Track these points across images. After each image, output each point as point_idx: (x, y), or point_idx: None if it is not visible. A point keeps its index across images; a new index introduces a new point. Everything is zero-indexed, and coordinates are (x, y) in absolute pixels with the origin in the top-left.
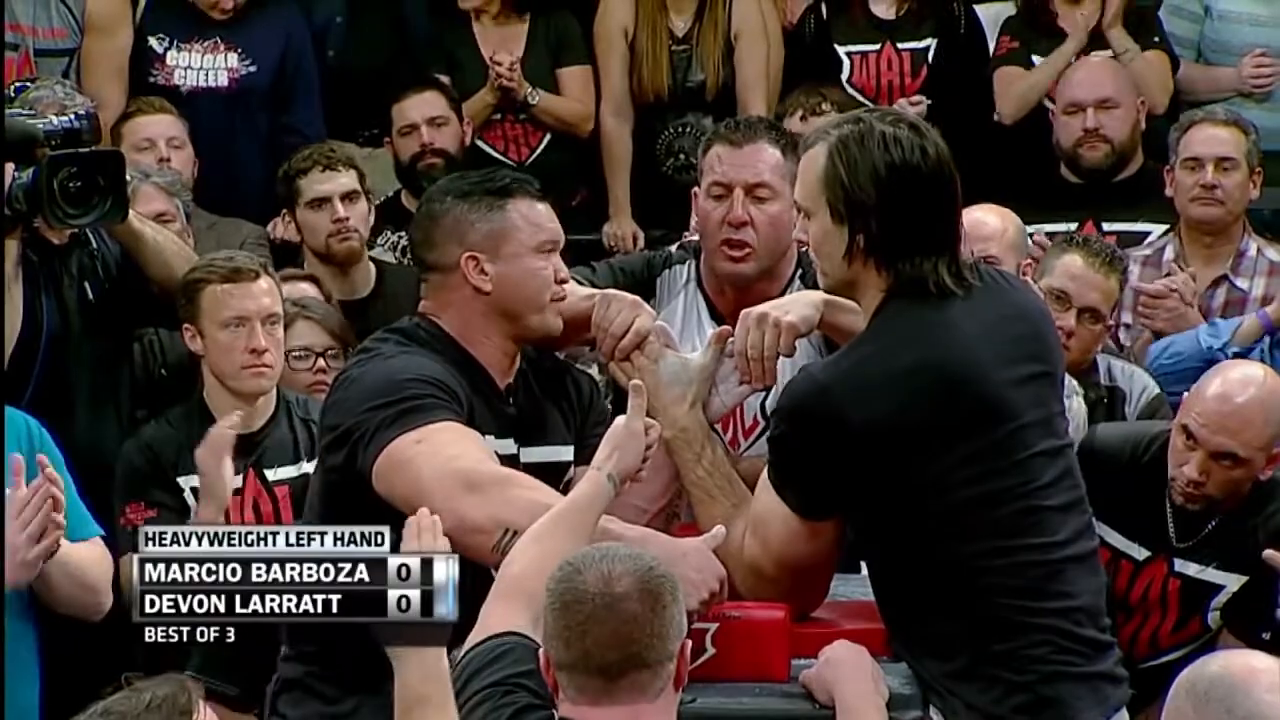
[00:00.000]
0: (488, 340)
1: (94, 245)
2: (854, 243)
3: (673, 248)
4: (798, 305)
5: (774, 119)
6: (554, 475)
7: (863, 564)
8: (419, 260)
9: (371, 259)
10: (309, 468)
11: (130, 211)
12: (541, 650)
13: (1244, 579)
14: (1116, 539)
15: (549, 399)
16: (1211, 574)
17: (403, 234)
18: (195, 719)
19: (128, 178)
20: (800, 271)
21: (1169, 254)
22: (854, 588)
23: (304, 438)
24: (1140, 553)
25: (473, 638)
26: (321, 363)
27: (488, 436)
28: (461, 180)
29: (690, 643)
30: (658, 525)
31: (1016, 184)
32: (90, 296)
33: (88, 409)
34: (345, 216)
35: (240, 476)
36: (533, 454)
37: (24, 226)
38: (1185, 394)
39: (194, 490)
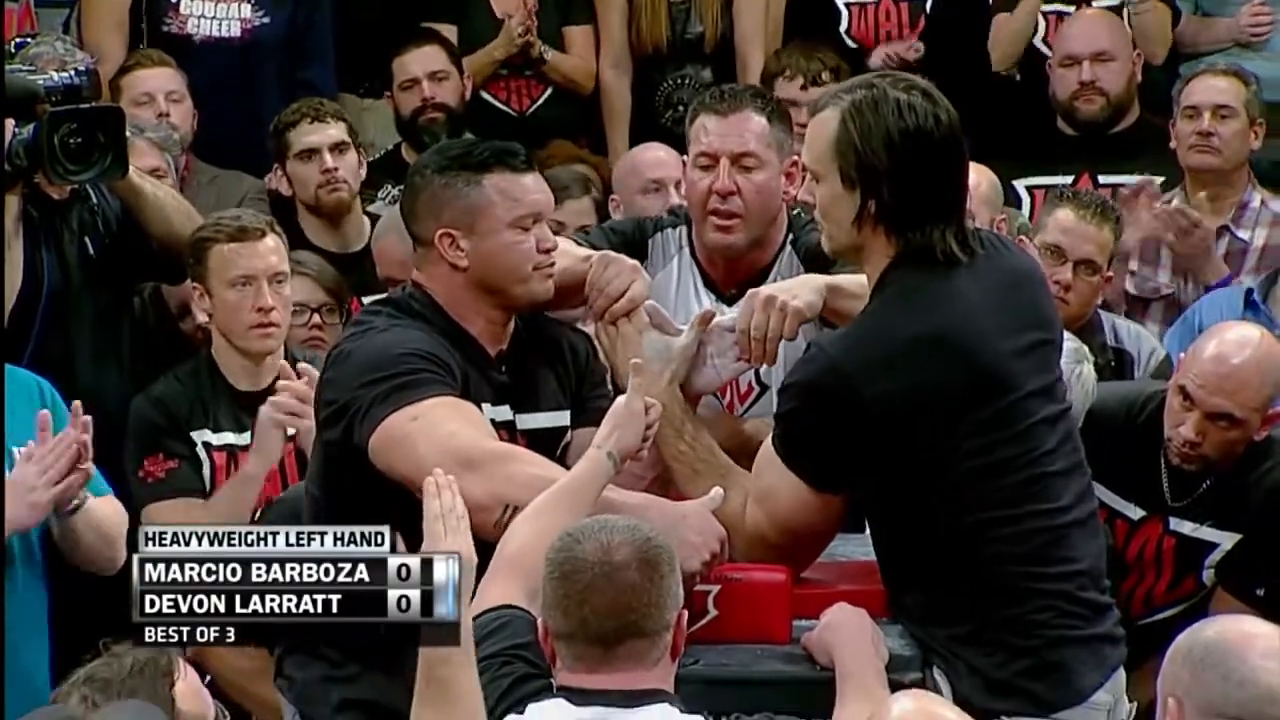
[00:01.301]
0: (475, 312)
1: (94, 201)
2: (864, 209)
3: (664, 212)
4: (805, 290)
5: (766, 75)
6: (551, 441)
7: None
8: (408, 230)
9: (366, 213)
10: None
11: (130, 167)
12: (540, 620)
13: (1238, 537)
14: (1112, 499)
15: (544, 364)
16: (1206, 532)
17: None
18: (175, 678)
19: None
20: (791, 237)
21: (1174, 205)
22: (854, 547)
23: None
24: (1135, 512)
25: (470, 611)
26: (317, 318)
27: (484, 405)
28: (444, 153)
29: (686, 613)
30: (655, 490)
31: (1013, 136)
32: (91, 251)
33: (89, 363)
34: (334, 167)
35: (249, 433)
36: (528, 420)
37: (24, 182)
38: (1182, 354)
39: (206, 445)
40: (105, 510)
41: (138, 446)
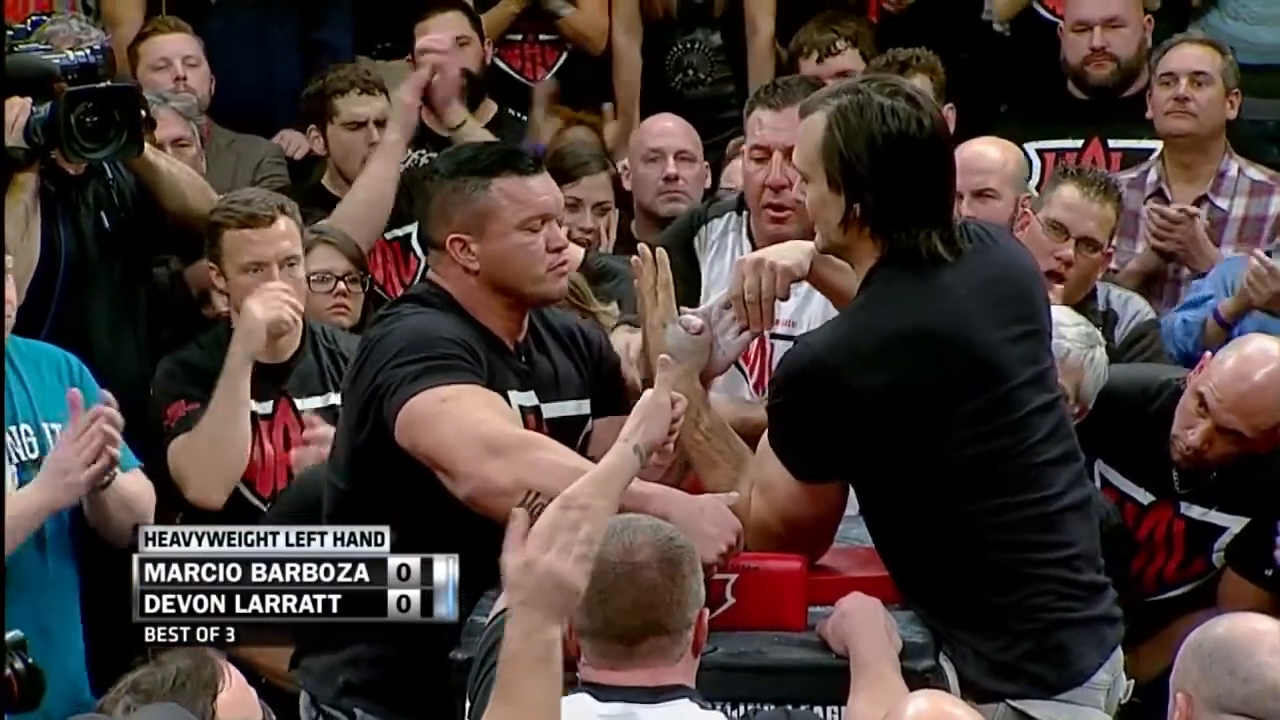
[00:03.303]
0: (490, 309)
1: (110, 176)
2: (850, 211)
3: (712, 205)
4: (791, 251)
5: (792, 57)
6: (573, 430)
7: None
8: (422, 233)
9: None
10: (336, 399)
11: (145, 145)
12: None
13: (1246, 520)
14: (1122, 482)
15: (561, 354)
16: (1215, 516)
17: (422, 153)
18: (220, 687)
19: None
20: None
21: (1153, 176)
22: (866, 530)
23: (330, 368)
24: (1145, 497)
25: (499, 605)
26: (341, 285)
27: (509, 392)
28: (453, 158)
29: (707, 612)
30: (672, 477)
31: (1024, 99)
32: (106, 225)
33: (106, 337)
34: (379, 141)
35: (271, 404)
36: (552, 409)
37: (41, 160)
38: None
39: None
40: (134, 486)
41: (162, 397)
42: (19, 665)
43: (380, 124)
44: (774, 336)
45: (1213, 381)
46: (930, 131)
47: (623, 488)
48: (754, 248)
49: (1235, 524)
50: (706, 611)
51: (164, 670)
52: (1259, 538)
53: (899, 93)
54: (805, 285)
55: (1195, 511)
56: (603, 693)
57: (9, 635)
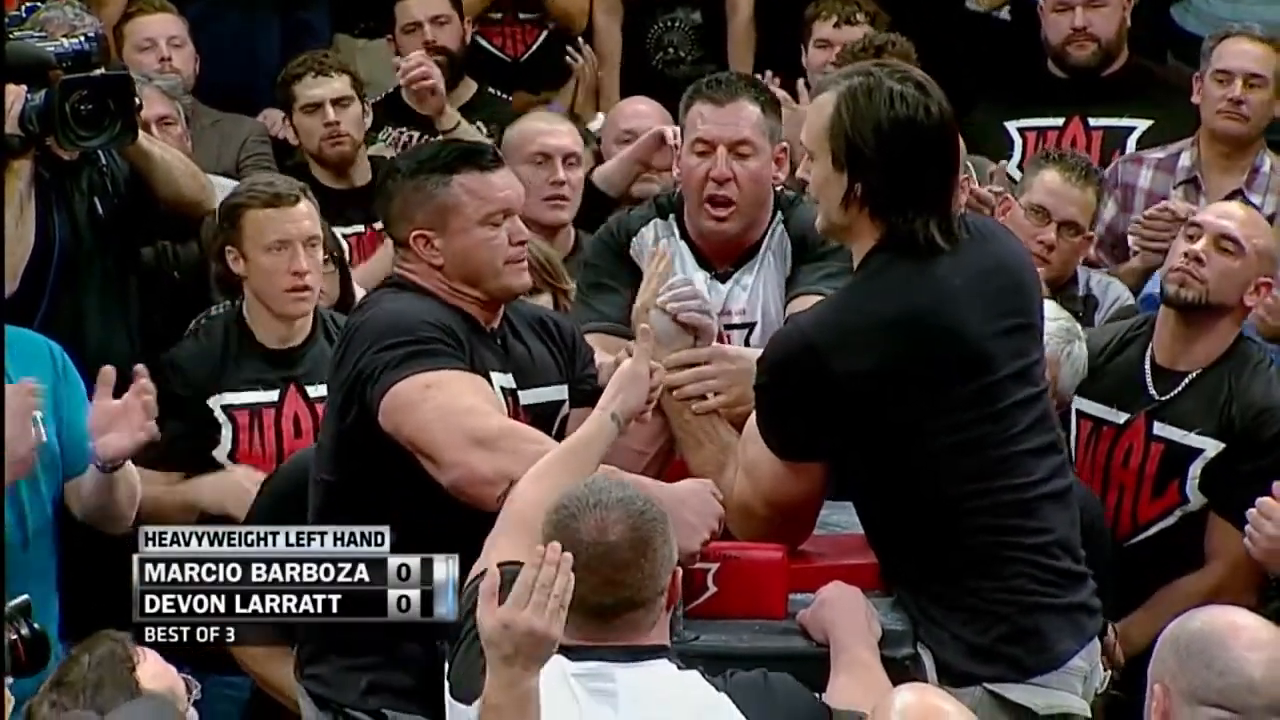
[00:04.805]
0: (461, 299)
1: (103, 162)
2: (852, 191)
3: (630, 216)
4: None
5: (805, 21)
6: (549, 416)
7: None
8: (387, 232)
9: (369, 158)
10: None
11: (139, 133)
12: None
13: (1222, 445)
14: (1094, 407)
15: (536, 340)
16: (1193, 439)
17: (404, 130)
18: (136, 661)
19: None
20: (781, 217)
21: (1185, 161)
22: (848, 515)
23: None
24: (1119, 416)
25: (476, 568)
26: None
27: (492, 373)
28: (414, 156)
29: (681, 570)
30: (655, 467)
31: (1005, 78)
32: (100, 212)
33: (98, 323)
34: (335, 121)
35: (278, 392)
36: (529, 395)
37: (36, 147)
38: None
39: (225, 409)
40: (134, 471)
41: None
42: (25, 631)
43: (338, 103)
44: (730, 327)
45: (1203, 211)
46: (937, 119)
47: (600, 454)
48: (691, 246)
49: (1210, 446)
50: (679, 571)
51: (80, 662)
52: (1237, 472)
53: (909, 78)
54: (751, 276)
55: (1174, 434)
56: (576, 652)
57: (16, 600)
